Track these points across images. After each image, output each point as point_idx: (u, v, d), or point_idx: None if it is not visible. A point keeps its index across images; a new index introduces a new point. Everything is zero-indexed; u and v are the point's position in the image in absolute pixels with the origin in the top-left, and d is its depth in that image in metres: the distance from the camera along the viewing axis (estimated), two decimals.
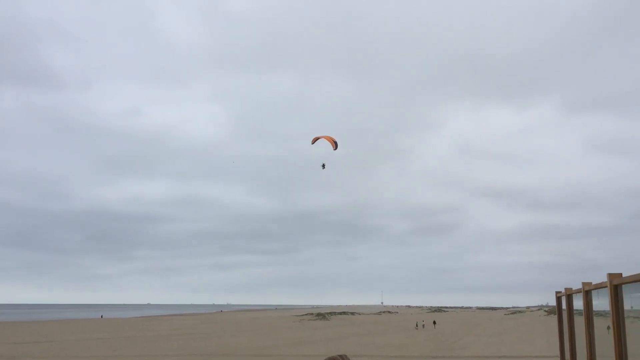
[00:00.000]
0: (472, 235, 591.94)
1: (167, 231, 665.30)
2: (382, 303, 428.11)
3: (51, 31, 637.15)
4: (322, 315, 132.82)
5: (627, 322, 6.50)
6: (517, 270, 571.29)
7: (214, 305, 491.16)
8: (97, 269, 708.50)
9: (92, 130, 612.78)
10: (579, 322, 8.90)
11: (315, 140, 33.41)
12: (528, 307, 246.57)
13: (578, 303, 8.92)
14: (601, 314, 6.77)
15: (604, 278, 6.96)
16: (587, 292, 6.54)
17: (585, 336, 6.52)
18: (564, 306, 10.04)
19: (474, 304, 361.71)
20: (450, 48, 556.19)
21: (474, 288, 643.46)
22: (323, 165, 34.94)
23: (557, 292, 10.85)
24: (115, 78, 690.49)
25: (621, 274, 4.58)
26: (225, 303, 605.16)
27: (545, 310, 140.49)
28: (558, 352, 35.63)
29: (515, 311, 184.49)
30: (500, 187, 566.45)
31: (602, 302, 6.42)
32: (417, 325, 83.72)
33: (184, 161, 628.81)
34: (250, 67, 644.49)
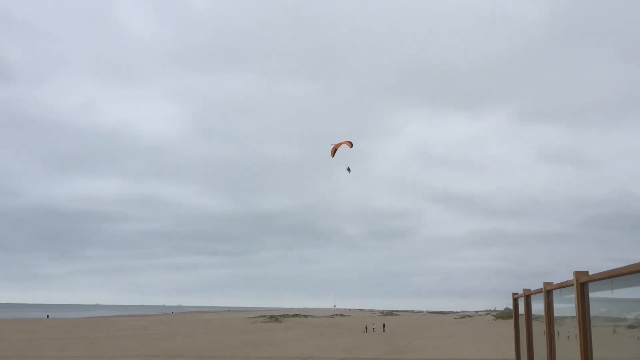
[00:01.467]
0: (425, 240, 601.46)
1: (119, 231, 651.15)
2: (334, 306, 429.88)
3: (3, 22, 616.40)
4: (275, 317, 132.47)
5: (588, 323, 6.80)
6: (468, 275, 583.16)
7: (164, 307, 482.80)
8: (43, 268, 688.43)
9: (44, 125, 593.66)
10: (536, 324, 9.18)
11: (334, 151, 33.68)
12: (477, 312, 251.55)
13: (536, 307, 9.12)
14: (558, 318, 6.98)
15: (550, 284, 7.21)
16: (549, 291, 6.77)
17: (546, 337, 6.75)
18: (521, 309, 10.24)
19: (425, 308, 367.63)
20: (409, 55, 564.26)
21: (425, 292, 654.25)
22: (348, 169, 35.68)
23: (514, 294, 11.12)
24: (69, 73, 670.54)
25: (587, 272, 4.77)
26: (177, 304, 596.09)
27: (493, 315, 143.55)
28: (507, 356, 36.51)
29: (464, 315, 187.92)
30: (454, 194, 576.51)
31: (562, 305, 6.66)
32: (366, 329, 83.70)
33: (138, 160, 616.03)
34: (209, 67, 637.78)
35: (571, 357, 5.53)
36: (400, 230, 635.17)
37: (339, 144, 33.34)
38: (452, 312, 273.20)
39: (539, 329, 8.55)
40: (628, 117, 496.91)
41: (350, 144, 33.22)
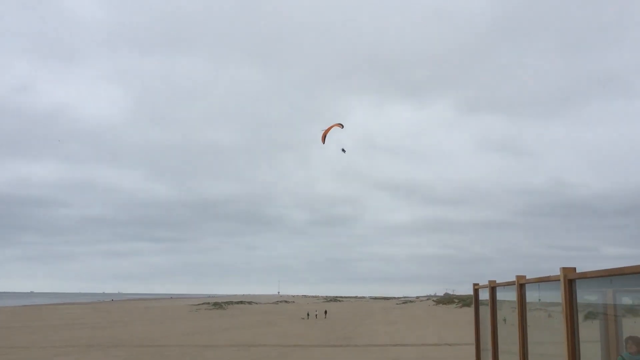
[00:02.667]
0: (368, 227, 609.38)
1: (55, 216, 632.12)
2: (278, 292, 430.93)
3: None
4: (219, 304, 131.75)
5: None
6: (409, 261, 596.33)
7: (104, 294, 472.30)
8: None
9: None
10: (487, 314, 9.67)
11: (324, 137, 33.34)
12: (418, 297, 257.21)
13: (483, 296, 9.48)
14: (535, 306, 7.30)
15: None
16: (522, 285, 7.07)
17: (519, 329, 7.03)
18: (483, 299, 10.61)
19: (367, 294, 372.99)
20: (357, 43, 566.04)
21: (368, 278, 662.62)
22: (343, 150, 35.63)
23: (474, 284, 11.53)
24: (4, 52, 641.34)
25: (574, 268, 4.97)
26: (117, 292, 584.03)
27: (433, 300, 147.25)
28: (448, 341, 37.44)
29: (406, 301, 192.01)
30: (397, 181, 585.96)
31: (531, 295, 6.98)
32: (307, 315, 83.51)
33: (77, 143, 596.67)
34: (154, 49, 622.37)
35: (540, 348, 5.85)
36: (344, 217, 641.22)
37: (329, 128, 33.28)
38: (394, 298, 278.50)
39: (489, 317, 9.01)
40: (564, 110, 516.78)
41: (341, 126, 33.29)
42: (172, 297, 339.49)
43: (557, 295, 5.38)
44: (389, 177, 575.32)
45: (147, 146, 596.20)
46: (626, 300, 7.29)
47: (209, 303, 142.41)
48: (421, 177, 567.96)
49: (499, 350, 8.92)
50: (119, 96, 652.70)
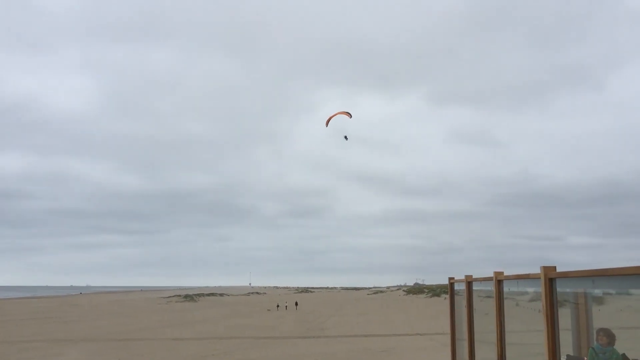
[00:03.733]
0: (341, 218, 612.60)
1: (22, 208, 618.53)
2: (250, 284, 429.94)
3: None
4: (190, 296, 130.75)
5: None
6: (380, 251, 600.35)
7: (72, 287, 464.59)
8: None
9: None
10: (462, 306, 9.88)
11: (328, 121, 33.24)
12: (389, 287, 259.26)
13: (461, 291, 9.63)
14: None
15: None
16: (500, 281, 7.19)
17: (496, 323, 7.16)
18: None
19: (339, 285, 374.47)
20: (331, 35, 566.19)
21: (339, 269, 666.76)
22: (345, 137, 35.71)
23: (450, 278, 11.73)
24: None
25: (555, 267, 5.07)
26: (85, 285, 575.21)
27: (404, 290, 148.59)
28: (419, 331, 37.92)
29: (377, 291, 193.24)
30: (369, 172, 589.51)
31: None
32: (277, 307, 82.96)
33: (45, 134, 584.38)
34: (126, 39, 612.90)
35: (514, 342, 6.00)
36: (317, 208, 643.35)
37: (336, 114, 33.29)
38: (365, 288, 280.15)
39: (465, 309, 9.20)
40: (533, 102, 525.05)
41: (349, 115, 33.35)
42: (142, 290, 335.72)
43: (535, 290, 5.48)
44: (361, 168, 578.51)
45: (117, 137, 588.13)
46: (598, 293, 7.47)
47: (179, 295, 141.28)
48: (393, 168, 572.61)
49: (475, 339, 9.09)
50: (88, 86, 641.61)
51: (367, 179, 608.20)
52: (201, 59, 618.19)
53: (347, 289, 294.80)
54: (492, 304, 7.29)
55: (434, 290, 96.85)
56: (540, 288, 5.18)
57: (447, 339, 12.61)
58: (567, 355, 7.41)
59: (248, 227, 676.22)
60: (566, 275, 4.96)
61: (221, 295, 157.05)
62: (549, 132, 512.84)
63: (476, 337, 9.09)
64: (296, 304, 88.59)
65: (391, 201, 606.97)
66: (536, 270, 5.43)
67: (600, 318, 8.32)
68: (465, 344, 9.48)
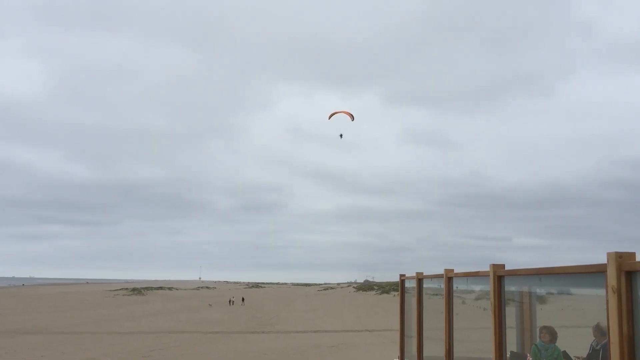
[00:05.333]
0: (293, 214, 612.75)
1: None
2: (200, 278, 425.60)
3: None
4: (138, 290, 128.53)
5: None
6: (332, 248, 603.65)
7: (14, 279, 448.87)
8: None
9: None
10: (412, 303, 10.08)
11: (332, 115, 33.08)
12: (339, 284, 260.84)
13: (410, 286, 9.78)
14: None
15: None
16: (450, 278, 7.34)
17: (445, 320, 7.31)
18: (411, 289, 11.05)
19: (290, 280, 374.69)
20: (290, 31, 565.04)
21: (291, 265, 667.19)
22: (341, 135, 35.64)
23: (401, 275, 11.88)
24: None
25: (503, 265, 5.20)
26: (28, 276, 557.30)
27: (354, 287, 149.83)
28: (368, 327, 38.36)
29: (327, 287, 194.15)
30: (324, 169, 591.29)
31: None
32: (231, 302, 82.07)
33: None
34: (79, 25, 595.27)
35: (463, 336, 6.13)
36: (270, 204, 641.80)
37: (340, 112, 33.28)
38: (316, 284, 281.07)
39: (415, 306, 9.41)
40: (486, 105, 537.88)
41: (352, 118, 33.48)
42: (88, 282, 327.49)
43: (482, 288, 5.65)
44: (315, 165, 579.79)
45: (67, 125, 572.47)
46: (542, 292, 7.73)
47: (127, 289, 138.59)
48: (347, 166, 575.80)
49: (423, 336, 9.26)
50: (37, 72, 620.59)
51: (322, 176, 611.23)
52: (158, 49, 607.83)
53: (297, 284, 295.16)
54: (441, 301, 7.47)
55: (384, 288, 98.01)
56: (488, 286, 5.33)
57: (396, 336, 12.80)
58: (511, 352, 7.63)
59: (200, 221, 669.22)
60: (514, 273, 5.13)
61: (170, 289, 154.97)
62: (500, 135, 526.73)
63: (425, 333, 9.27)
64: (242, 299, 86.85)
65: (344, 198, 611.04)
66: (484, 269, 5.59)
67: (543, 316, 8.62)
68: (414, 341, 9.65)
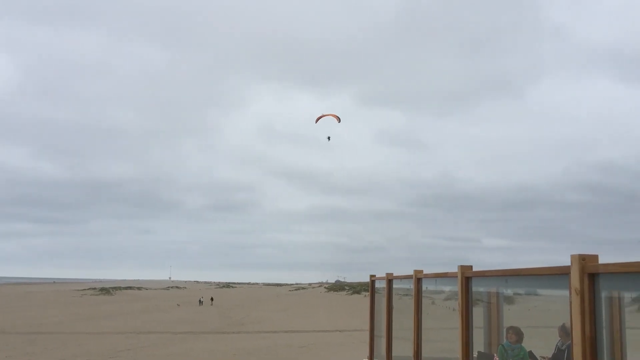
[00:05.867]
0: (266, 214, 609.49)
1: None
2: (170, 278, 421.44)
3: None
4: (106, 289, 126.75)
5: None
6: (304, 248, 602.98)
7: None
8: None
9: None
10: (382, 304, 10.15)
11: (319, 118, 32.90)
12: (310, 284, 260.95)
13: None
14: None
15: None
16: (419, 279, 7.39)
17: (414, 320, 7.36)
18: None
19: (261, 280, 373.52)
20: (266, 30, 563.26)
21: (262, 265, 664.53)
22: (329, 138, 35.61)
23: (371, 276, 11.94)
24: None
25: (471, 266, 5.26)
26: None
27: (325, 287, 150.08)
28: (339, 327, 38.44)
29: (298, 287, 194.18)
30: (297, 169, 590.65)
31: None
32: (200, 302, 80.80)
33: None
34: (48, 19, 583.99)
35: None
36: (243, 203, 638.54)
37: (327, 115, 33.18)
38: (287, 284, 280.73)
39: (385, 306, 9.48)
40: (458, 108, 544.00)
41: (339, 120, 33.47)
42: (55, 282, 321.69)
43: (451, 289, 5.72)
44: (289, 165, 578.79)
45: (35, 121, 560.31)
46: (509, 293, 7.85)
47: (95, 288, 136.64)
48: (320, 166, 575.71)
49: (392, 336, 9.32)
50: (4, 66, 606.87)
51: (295, 176, 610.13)
52: (131, 45, 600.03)
53: (269, 284, 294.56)
54: (410, 301, 7.53)
55: (355, 288, 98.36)
56: (456, 287, 5.40)
57: (366, 336, 12.85)
58: (479, 352, 7.73)
59: (172, 220, 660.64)
60: (482, 275, 5.20)
61: (139, 288, 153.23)
62: (471, 137, 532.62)
63: (394, 334, 9.33)
64: (211, 299, 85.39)
65: (317, 199, 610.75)
66: (453, 270, 5.67)
67: (510, 317, 8.75)
68: (384, 341, 9.71)
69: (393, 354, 9.32)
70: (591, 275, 3.15)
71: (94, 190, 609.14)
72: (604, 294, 3.26)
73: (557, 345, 8.89)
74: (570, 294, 3.28)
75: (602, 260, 3.21)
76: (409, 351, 7.54)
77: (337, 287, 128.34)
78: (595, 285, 3.16)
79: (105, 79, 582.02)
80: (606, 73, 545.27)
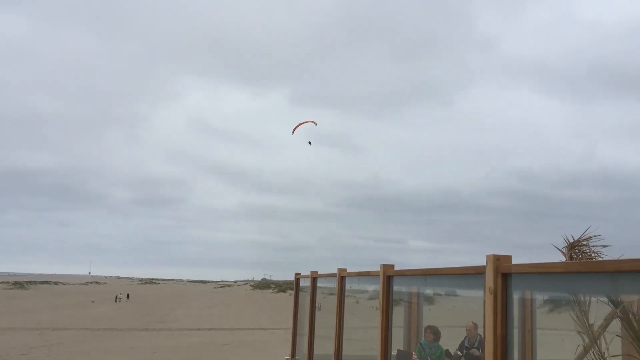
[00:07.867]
0: (194, 210, 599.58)
1: None
2: (89, 273, 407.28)
3: None
4: (20, 283, 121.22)
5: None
6: (231, 246, 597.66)
7: None
8: None
9: None
10: (306, 302, 10.16)
11: (295, 129, 32.01)
12: (236, 282, 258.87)
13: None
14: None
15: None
16: (343, 277, 7.43)
17: (336, 319, 7.40)
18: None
19: (186, 277, 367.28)
20: (199, 23, 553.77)
21: (188, 261, 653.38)
22: (309, 142, 35.11)
23: (296, 274, 11.94)
24: None
25: (393, 265, 5.32)
26: None
27: (251, 285, 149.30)
28: (263, 325, 38.35)
29: (224, 285, 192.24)
30: (228, 166, 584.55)
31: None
32: (117, 298, 77.56)
33: None
34: None
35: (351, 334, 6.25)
36: (170, 198, 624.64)
37: (303, 123, 32.58)
38: (213, 282, 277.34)
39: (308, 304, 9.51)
40: (389, 112, 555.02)
41: (315, 123, 33.10)
42: None
43: (374, 289, 5.80)
44: (219, 161, 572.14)
45: None
46: (429, 293, 8.05)
47: (8, 282, 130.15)
48: (251, 164, 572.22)
49: (315, 335, 9.37)
50: None
51: (225, 173, 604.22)
52: (58, 30, 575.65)
53: (193, 281, 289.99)
54: (334, 300, 7.58)
55: (281, 286, 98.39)
56: (378, 286, 5.47)
57: (290, 334, 12.87)
58: (398, 350, 7.88)
59: (94, 213, 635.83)
60: (402, 274, 5.29)
61: (56, 283, 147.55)
62: (401, 140, 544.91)
63: (316, 332, 9.37)
64: (127, 295, 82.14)
65: (247, 196, 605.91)
66: (377, 269, 5.76)
67: (430, 317, 8.99)
68: (306, 339, 9.73)
69: (314, 353, 9.35)
70: (504, 275, 3.25)
71: (11, 179, 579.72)
72: (516, 295, 3.37)
73: (464, 344, 9.28)
74: (484, 293, 3.37)
75: (515, 261, 3.31)
76: (331, 349, 7.59)
77: (263, 285, 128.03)
78: (508, 285, 3.26)
79: (28, 64, 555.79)
80: (529, 85, 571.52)
